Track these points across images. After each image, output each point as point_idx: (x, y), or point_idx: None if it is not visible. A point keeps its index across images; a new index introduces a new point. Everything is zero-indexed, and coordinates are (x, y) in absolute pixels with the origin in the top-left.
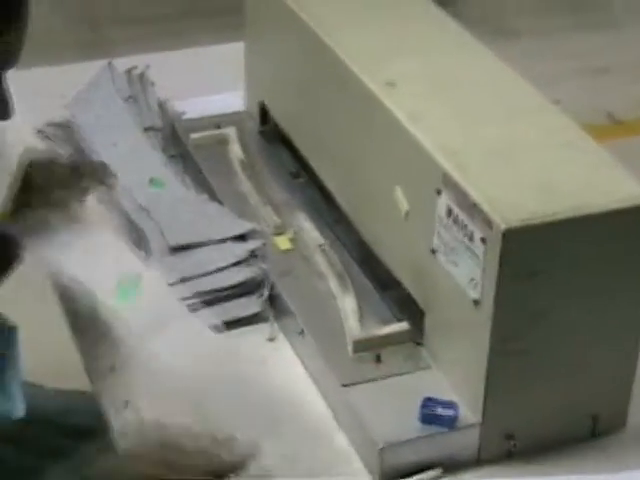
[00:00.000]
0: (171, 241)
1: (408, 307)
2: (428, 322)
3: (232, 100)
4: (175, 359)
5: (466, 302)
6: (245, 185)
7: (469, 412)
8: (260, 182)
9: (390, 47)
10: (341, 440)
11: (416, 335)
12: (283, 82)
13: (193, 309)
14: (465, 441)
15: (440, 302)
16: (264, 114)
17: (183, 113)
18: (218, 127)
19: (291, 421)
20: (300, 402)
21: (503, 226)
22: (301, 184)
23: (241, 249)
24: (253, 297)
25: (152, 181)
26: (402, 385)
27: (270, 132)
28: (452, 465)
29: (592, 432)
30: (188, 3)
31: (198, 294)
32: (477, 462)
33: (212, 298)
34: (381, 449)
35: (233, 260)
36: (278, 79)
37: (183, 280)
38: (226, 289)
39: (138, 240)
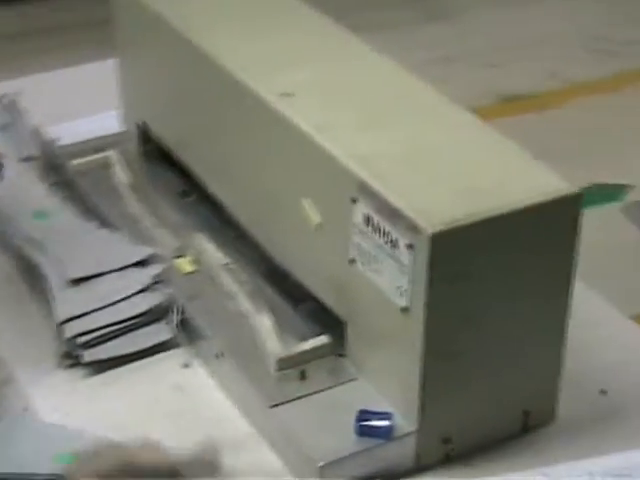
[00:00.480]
0: (71, 273)
1: (325, 320)
2: (350, 333)
3: (109, 121)
4: None
5: (392, 310)
6: (135, 208)
7: (404, 420)
8: (150, 204)
9: (279, 57)
10: (275, 462)
11: (338, 347)
12: (163, 99)
13: (99, 342)
14: (403, 450)
15: (363, 312)
16: (145, 134)
17: (58, 139)
18: (98, 151)
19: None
20: (226, 427)
21: (430, 230)
22: (192, 203)
23: (144, 275)
24: (162, 323)
25: (36, 214)
26: (331, 399)
27: (152, 152)
28: (390, 476)
29: (524, 427)
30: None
31: (104, 326)
32: (416, 469)
33: (119, 329)
34: (321, 467)
35: (137, 287)
36: (158, 96)
37: (85, 314)
38: (133, 318)
39: (31, 277)
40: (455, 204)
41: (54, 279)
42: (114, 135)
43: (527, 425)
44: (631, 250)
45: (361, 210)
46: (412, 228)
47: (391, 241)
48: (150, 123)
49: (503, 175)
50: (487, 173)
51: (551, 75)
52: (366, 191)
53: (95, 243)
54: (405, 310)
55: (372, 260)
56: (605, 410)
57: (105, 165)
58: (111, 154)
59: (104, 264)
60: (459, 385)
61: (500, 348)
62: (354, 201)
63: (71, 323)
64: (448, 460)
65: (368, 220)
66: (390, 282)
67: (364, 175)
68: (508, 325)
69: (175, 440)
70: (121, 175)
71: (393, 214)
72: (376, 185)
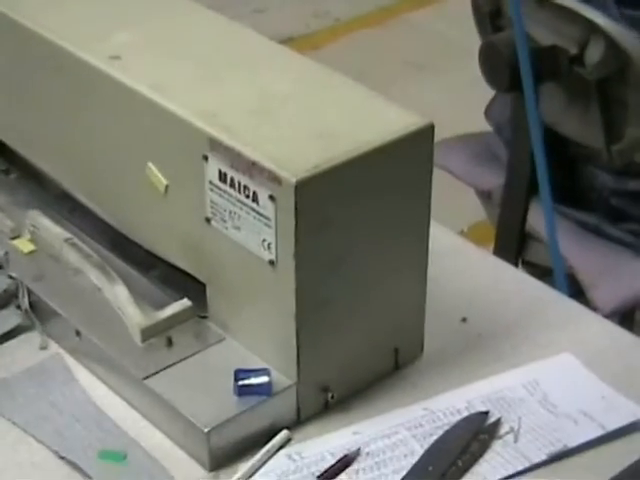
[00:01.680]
0: None
1: (179, 283)
2: (211, 294)
3: None
4: None
5: (258, 265)
6: None
7: (282, 375)
8: None
9: (97, 21)
10: (156, 436)
11: (199, 310)
12: None
13: None
14: (284, 404)
15: (224, 271)
16: None
17: None
18: None
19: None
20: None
21: (293, 179)
22: (16, 180)
23: None
24: (10, 309)
25: None
26: (202, 363)
27: None
28: (273, 431)
29: (395, 365)
30: None
31: None
32: (298, 422)
33: None
34: (207, 433)
35: None
36: None
37: None
38: None
39: None
40: (312, 151)
41: None
42: None
43: (398, 362)
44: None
45: (214, 167)
46: (273, 179)
47: (250, 195)
48: None
49: (354, 116)
50: (338, 116)
51: (318, 15)
52: (218, 147)
53: None
54: (272, 263)
55: (230, 217)
56: (468, 338)
57: None
58: None
59: None
60: (332, 332)
61: (367, 290)
62: (205, 158)
63: None
64: (328, 408)
65: (223, 176)
66: (253, 237)
67: (213, 131)
68: (373, 266)
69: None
70: None
71: (250, 167)
72: (228, 139)
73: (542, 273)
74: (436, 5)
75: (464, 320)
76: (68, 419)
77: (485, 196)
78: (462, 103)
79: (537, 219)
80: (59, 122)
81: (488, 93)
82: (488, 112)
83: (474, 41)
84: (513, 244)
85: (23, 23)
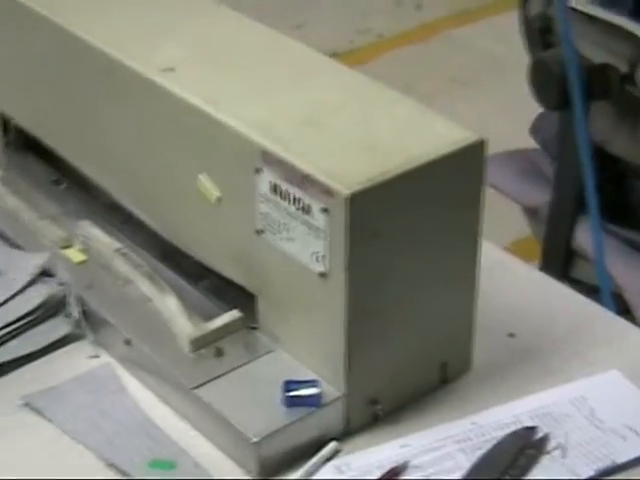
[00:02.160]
0: None
1: (229, 294)
2: (261, 305)
3: None
4: None
5: (309, 276)
6: (12, 202)
7: (330, 386)
8: (26, 196)
9: (153, 34)
10: (205, 446)
11: (249, 321)
12: (23, 85)
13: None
14: (333, 416)
15: (275, 282)
16: (5, 124)
17: None
18: None
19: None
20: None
21: (346, 192)
22: (66, 191)
23: (29, 265)
24: (59, 317)
25: None
26: (251, 374)
27: (15, 142)
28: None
29: (442, 379)
30: None
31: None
32: (346, 433)
33: (15, 329)
34: (255, 443)
35: (25, 279)
36: (17, 83)
37: None
38: (28, 315)
39: None
40: (364, 164)
41: None
42: None
43: (446, 376)
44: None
45: (267, 179)
46: (326, 192)
47: (302, 207)
48: (9, 111)
49: (405, 129)
50: (389, 129)
51: (360, 31)
52: (271, 159)
53: None
54: (323, 275)
55: (282, 228)
56: (516, 353)
57: None
58: None
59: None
60: (381, 344)
61: (417, 302)
62: (258, 171)
63: None
64: (376, 420)
65: (275, 188)
66: (304, 249)
67: (266, 143)
68: (423, 279)
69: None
70: None
71: (303, 180)
72: (281, 152)
73: (588, 291)
74: (480, 22)
75: (512, 335)
76: (118, 427)
77: (531, 213)
78: (506, 119)
79: (584, 236)
80: (110, 132)
81: (532, 110)
82: (534, 129)
83: (518, 57)
84: (559, 261)
85: (76, 34)
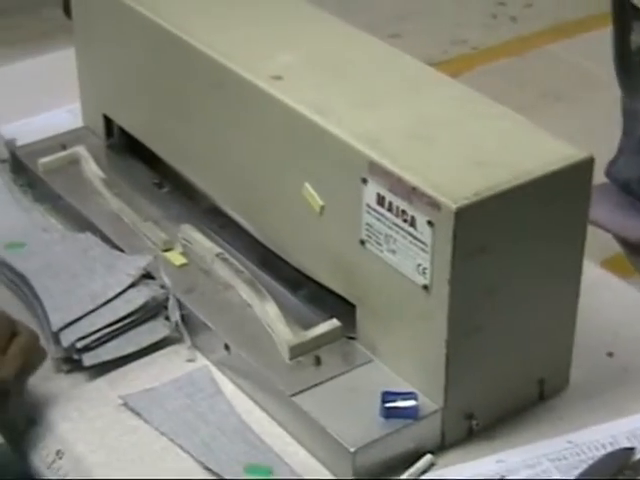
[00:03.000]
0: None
1: (327, 303)
2: (361, 315)
3: (61, 117)
4: None
5: (411, 289)
6: (115, 204)
7: (428, 399)
8: (128, 199)
9: (259, 40)
10: (300, 453)
11: (347, 330)
12: (130, 88)
13: (98, 344)
14: (429, 429)
15: (376, 293)
16: (108, 126)
17: (14, 139)
18: (62, 148)
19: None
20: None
21: (454, 206)
22: (167, 194)
23: (132, 267)
24: (159, 320)
25: (10, 245)
26: (349, 384)
27: (118, 145)
28: (416, 455)
29: (540, 396)
30: None
31: (101, 328)
32: (441, 447)
33: (117, 328)
34: (353, 453)
35: (129, 281)
36: (123, 86)
37: (79, 318)
38: (129, 315)
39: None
40: (472, 178)
41: (39, 287)
42: (74, 131)
43: (543, 393)
44: None
45: (373, 190)
46: (433, 205)
47: (408, 219)
48: (114, 115)
49: (513, 144)
50: (497, 143)
51: (455, 42)
52: (377, 170)
53: (86, 267)
54: (426, 288)
55: (386, 240)
56: (614, 372)
57: (74, 161)
58: (79, 150)
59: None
60: (480, 359)
61: (519, 319)
62: (364, 181)
63: (66, 330)
64: (472, 435)
65: (381, 200)
66: (408, 261)
67: (374, 154)
68: (526, 295)
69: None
70: (94, 170)
71: (410, 192)
72: (388, 164)
73: None
74: (576, 37)
75: (610, 355)
76: (214, 431)
77: (632, 247)
78: (600, 136)
79: None
80: (215, 137)
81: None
82: (611, 172)
83: (613, 74)
84: None
85: (187, 40)
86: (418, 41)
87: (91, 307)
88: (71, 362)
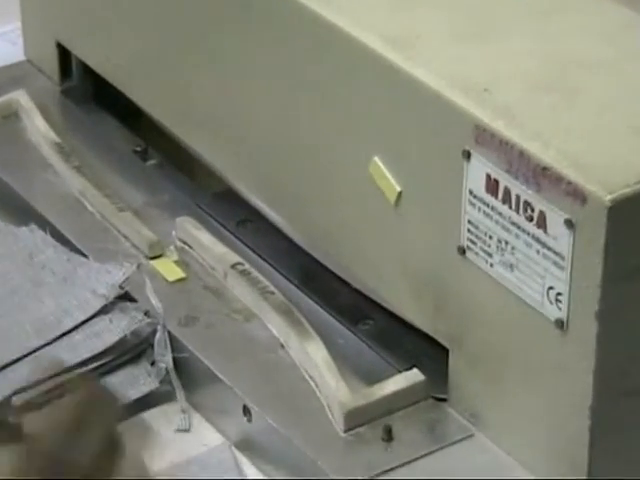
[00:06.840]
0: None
1: (404, 345)
2: (456, 364)
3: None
4: None
5: (537, 324)
6: (75, 183)
7: None
8: (95, 175)
9: None
10: None
11: (435, 387)
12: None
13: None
14: None
15: (481, 330)
16: (65, 62)
17: None
18: None
19: None
20: None
21: (607, 197)
22: (157, 169)
23: (100, 284)
24: (141, 365)
25: None
26: (438, 471)
27: (79, 91)
28: None
29: None
30: None
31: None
32: None
33: None
34: None
35: (96, 306)
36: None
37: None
38: (96, 357)
39: None
40: (632, 154)
41: None
42: (9, 67)
43: None
44: None
45: (479, 169)
46: (573, 194)
47: (534, 217)
48: (73, 43)
49: None
50: None
51: None
52: (487, 139)
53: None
54: (561, 324)
55: (499, 248)
56: None
57: (9, 116)
58: (18, 96)
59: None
60: (632, 430)
61: None
62: (467, 156)
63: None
64: None
65: (492, 185)
66: (532, 281)
67: (483, 114)
68: None
69: None
70: (41, 130)
71: (537, 174)
72: (505, 129)
73: None
74: None
75: None
76: None
77: None
78: None
79: None
80: (236, 80)
81: None
82: None
83: None
84: None
85: None
86: None
87: (37, 343)
88: (8, 428)
